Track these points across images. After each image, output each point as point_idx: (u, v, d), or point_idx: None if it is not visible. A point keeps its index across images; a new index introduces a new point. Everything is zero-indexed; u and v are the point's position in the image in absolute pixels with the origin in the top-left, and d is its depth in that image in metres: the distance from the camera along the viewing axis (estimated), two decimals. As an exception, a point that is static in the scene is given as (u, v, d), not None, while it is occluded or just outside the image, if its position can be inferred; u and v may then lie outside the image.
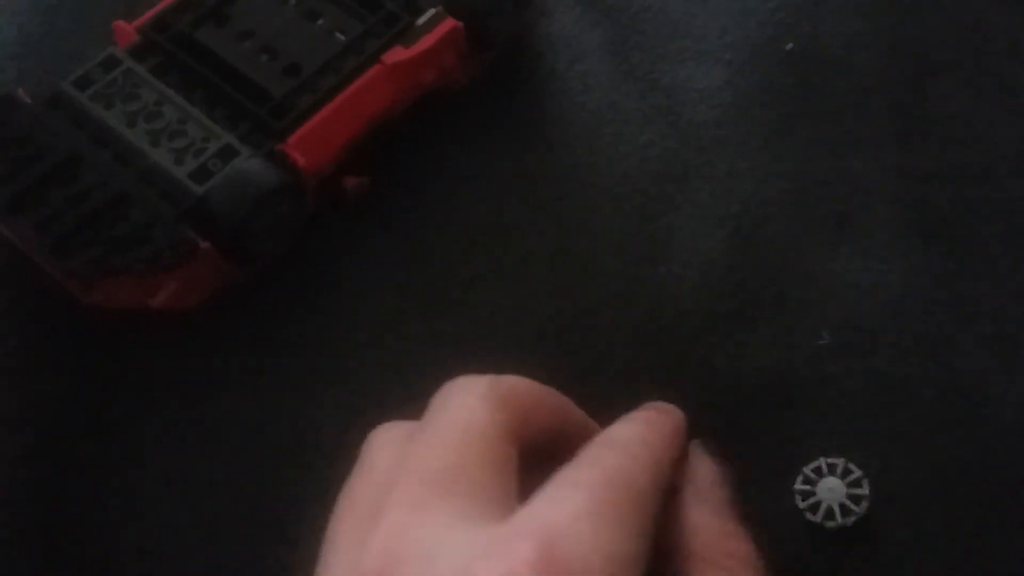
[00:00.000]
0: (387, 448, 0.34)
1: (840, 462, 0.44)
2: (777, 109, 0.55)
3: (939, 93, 0.55)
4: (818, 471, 0.44)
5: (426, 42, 0.50)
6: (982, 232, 0.51)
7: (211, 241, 0.44)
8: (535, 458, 0.33)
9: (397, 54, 0.49)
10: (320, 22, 0.50)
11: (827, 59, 0.56)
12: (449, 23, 0.50)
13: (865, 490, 0.43)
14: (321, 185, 0.48)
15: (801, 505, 0.43)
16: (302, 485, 0.44)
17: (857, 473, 0.43)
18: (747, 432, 0.46)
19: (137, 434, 0.45)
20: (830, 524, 0.42)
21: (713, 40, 0.57)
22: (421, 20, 0.50)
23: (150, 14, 0.50)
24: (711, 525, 0.37)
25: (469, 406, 0.32)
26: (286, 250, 0.48)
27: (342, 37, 0.49)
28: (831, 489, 0.43)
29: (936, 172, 0.53)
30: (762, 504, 0.44)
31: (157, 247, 0.43)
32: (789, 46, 0.57)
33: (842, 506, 0.43)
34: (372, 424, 0.37)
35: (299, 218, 0.47)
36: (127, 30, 0.49)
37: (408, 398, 0.38)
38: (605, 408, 0.43)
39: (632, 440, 0.35)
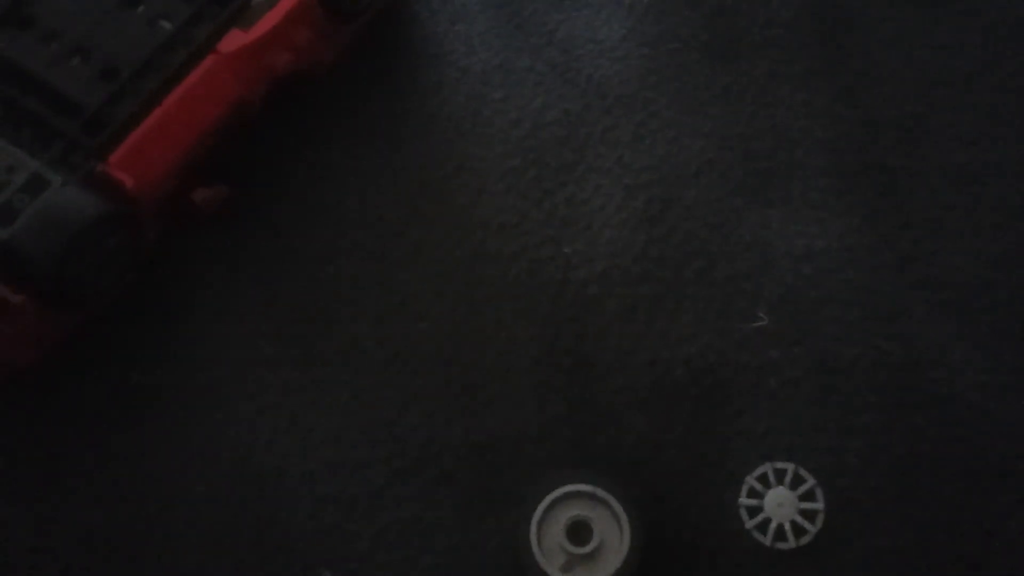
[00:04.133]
0: None
1: (789, 468, 0.38)
2: (687, 56, 0.48)
3: (872, 22, 0.48)
4: (764, 480, 0.38)
5: (270, 21, 0.42)
6: (930, 179, 0.45)
7: (26, 292, 0.37)
8: None
9: (235, 39, 0.42)
10: (141, 9, 0.42)
11: (739, -9, 0.49)
12: (296, -5, 0.43)
13: (819, 503, 0.37)
14: (163, 204, 0.41)
15: (748, 524, 0.37)
16: (174, 542, 0.38)
17: (810, 482, 0.38)
18: (679, 436, 0.40)
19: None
20: (782, 546, 0.37)
21: (610, -19, 0.50)
22: (261, -5, 0.43)
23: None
24: None
25: None
26: (130, 285, 0.41)
27: (168, 25, 0.42)
28: (781, 504, 0.37)
29: (875, 114, 0.46)
30: (703, 524, 0.38)
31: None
32: (696, -22, 0.50)
33: (794, 524, 0.37)
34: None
35: (137, 248, 0.40)
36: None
37: (289, 430, 0.36)
38: (513, 417, 0.38)
39: None
